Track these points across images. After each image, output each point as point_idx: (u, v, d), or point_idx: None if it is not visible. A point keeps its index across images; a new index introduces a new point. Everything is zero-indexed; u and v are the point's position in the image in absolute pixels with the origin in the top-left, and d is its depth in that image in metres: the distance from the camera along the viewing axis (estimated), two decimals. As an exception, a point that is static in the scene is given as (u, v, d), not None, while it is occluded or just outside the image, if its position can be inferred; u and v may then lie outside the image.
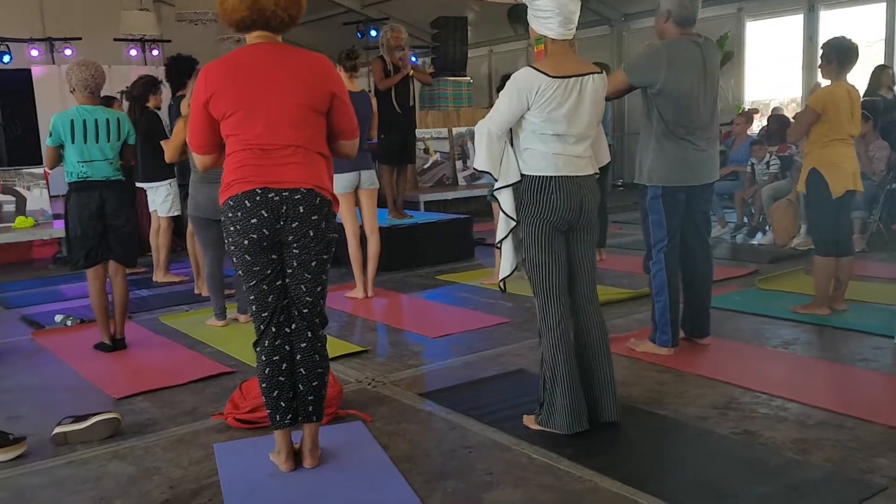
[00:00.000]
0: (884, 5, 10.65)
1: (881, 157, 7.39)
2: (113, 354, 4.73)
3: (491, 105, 6.38)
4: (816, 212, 5.00)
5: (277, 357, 2.94)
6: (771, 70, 12.34)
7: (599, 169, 3.41)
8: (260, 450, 3.19)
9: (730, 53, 11.83)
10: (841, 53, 4.76)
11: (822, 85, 4.94)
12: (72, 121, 4.49)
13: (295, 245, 2.88)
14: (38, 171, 8.24)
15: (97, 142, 4.52)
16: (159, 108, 6.87)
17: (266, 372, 2.94)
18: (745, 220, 8.42)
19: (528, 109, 3.17)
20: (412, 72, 7.61)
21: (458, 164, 11.08)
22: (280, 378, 2.94)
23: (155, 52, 12.99)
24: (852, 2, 11.20)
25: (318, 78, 2.88)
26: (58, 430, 3.38)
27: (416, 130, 8.54)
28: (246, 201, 2.81)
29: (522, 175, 3.25)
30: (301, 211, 2.83)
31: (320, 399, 3.00)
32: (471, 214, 8.25)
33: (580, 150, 3.26)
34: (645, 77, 4.05)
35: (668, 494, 2.72)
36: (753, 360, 4.22)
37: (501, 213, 3.31)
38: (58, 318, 5.59)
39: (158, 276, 6.95)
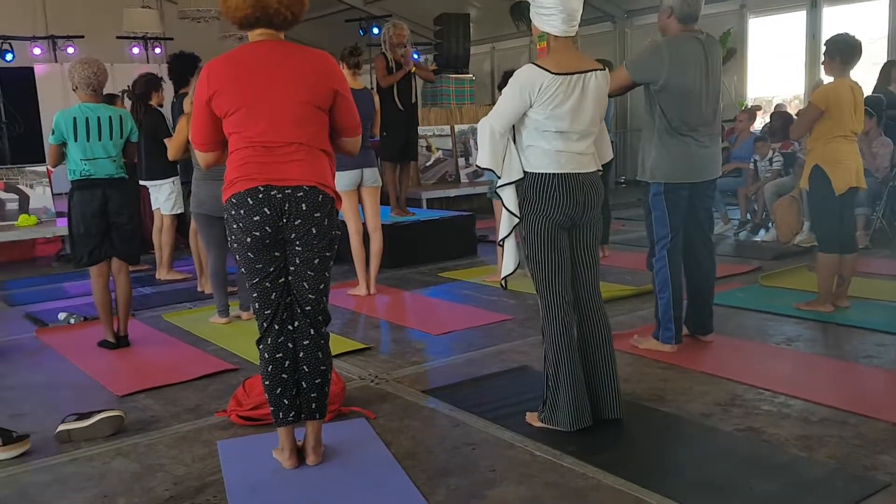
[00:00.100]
0: (887, 2, 10.62)
1: (885, 153, 7.38)
2: (116, 352, 4.74)
3: (493, 102, 6.34)
4: (819, 209, 4.99)
5: (280, 354, 2.94)
6: (774, 67, 12.32)
7: (602, 166, 3.41)
8: (263, 447, 3.19)
9: (733, 50, 11.80)
10: (844, 50, 4.75)
11: (825, 82, 4.93)
12: (74, 119, 4.49)
13: (298, 242, 2.88)
14: (41, 169, 8.25)
15: (100, 140, 4.53)
16: (161, 106, 6.87)
17: (269, 369, 2.95)
18: (749, 216, 8.41)
19: (531, 106, 3.17)
20: (414, 69, 7.60)
21: (461, 161, 11.08)
22: (283, 375, 2.94)
23: (157, 50, 13.01)
24: (855, -2, 11.18)
25: (321, 75, 2.88)
26: (61, 427, 3.39)
27: (419, 127, 8.55)
28: (249, 199, 2.81)
29: (525, 172, 3.25)
30: (304, 208, 2.83)
31: (323, 396, 3.01)
32: (473, 211, 8.26)
33: (583, 147, 3.25)
34: (647, 74, 4.04)
35: (672, 491, 2.72)
36: (757, 356, 4.21)
37: (504, 210, 3.31)
38: (61, 315, 5.60)
39: (162, 274, 6.96)
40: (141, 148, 6.01)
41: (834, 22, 10.97)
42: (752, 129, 9.21)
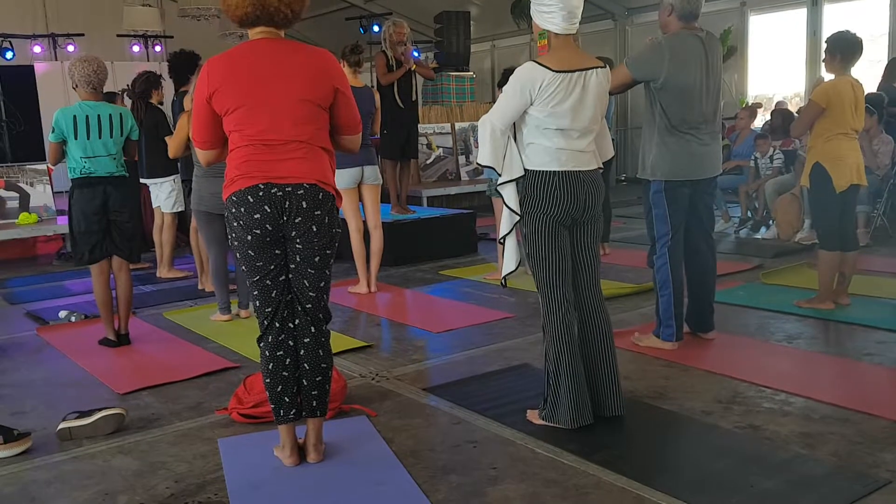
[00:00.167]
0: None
1: (885, 151, 7.38)
2: (117, 350, 4.74)
3: (493, 100, 6.31)
4: (820, 206, 4.99)
5: (281, 352, 2.94)
6: (774, 64, 12.31)
7: (603, 163, 3.41)
8: (264, 445, 3.19)
9: (733, 48, 11.80)
10: (845, 48, 4.74)
11: (826, 79, 4.93)
12: (74, 117, 4.49)
13: (298, 240, 2.88)
14: (42, 167, 8.24)
15: (100, 137, 4.52)
16: (162, 103, 6.87)
17: (270, 367, 2.95)
18: (749, 214, 8.41)
19: (532, 104, 3.17)
20: (414, 67, 7.60)
21: (461, 159, 11.07)
22: (284, 373, 2.95)
23: (157, 48, 13.02)
24: (856, -5, 11.17)
25: (322, 73, 2.88)
26: (63, 425, 3.39)
27: (419, 125, 8.54)
28: (249, 197, 2.81)
29: (526, 170, 3.24)
30: (304, 206, 2.83)
31: (324, 394, 3.01)
32: (474, 209, 8.25)
33: (584, 145, 3.25)
34: (647, 71, 4.04)
35: (673, 489, 2.72)
36: (758, 354, 4.21)
37: (505, 208, 3.31)
38: (62, 313, 5.60)
39: (162, 272, 6.96)
40: (142, 146, 6.02)
41: (834, 19, 10.97)
42: (752, 127, 9.22)
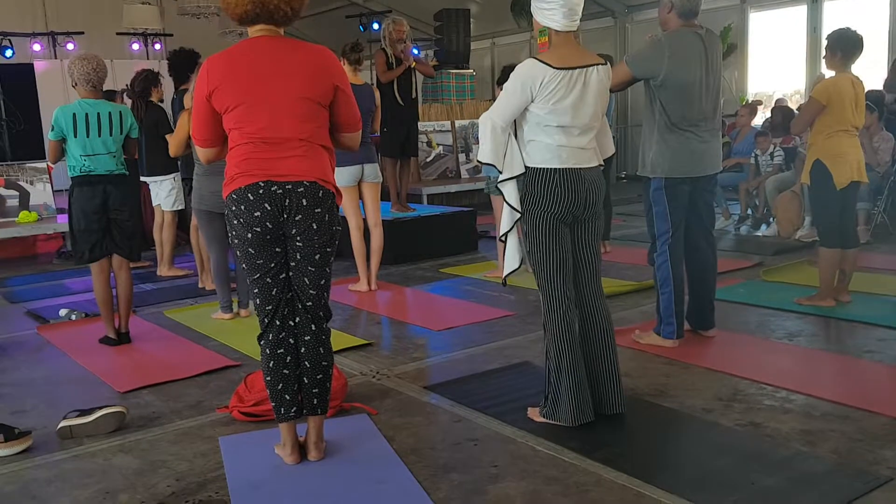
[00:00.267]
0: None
1: (886, 148, 7.38)
2: (118, 348, 4.74)
3: (493, 98, 6.29)
4: (821, 203, 4.98)
5: (282, 350, 2.94)
6: (774, 61, 12.30)
7: (603, 161, 3.41)
8: (265, 443, 3.19)
9: (733, 45, 11.79)
10: (845, 45, 4.74)
11: (826, 76, 4.92)
12: (74, 115, 4.48)
13: (298, 238, 2.88)
14: (42, 165, 8.24)
15: (100, 136, 4.52)
16: (162, 101, 6.87)
17: (270, 365, 2.95)
18: (750, 211, 8.41)
19: (532, 101, 3.16)
20: (414, 64, 7.59)
21: (462, 156, 11.07)
22: (284, 371, 2.95)
23: (157, 47, 13.00)
24: (856, -8, 11.16)
25: (321, 71, 2.87)
26: (63, 423, 3.39)
27: (419, 123, 8.53)
28: (249, 195, 2.80)
29: (526, 167, 3.24)
30: (304, 204, 2.83)
31: (325, 392, 3.01)
32: (474, 207, 8.25)
33: (584, 142, 3.25)
34: (647, 69, 4.04)
35: (673, 486, 2.72)
36: (758, 351, 4.21)
37: (506, 205, 3.31)
38: (62, 312, 5.60)
39: (163, 271, 6.96)
40: (142, 144, 6.01)
41: (835, 16, 10.96)
42: (752, 124, 9.22)
